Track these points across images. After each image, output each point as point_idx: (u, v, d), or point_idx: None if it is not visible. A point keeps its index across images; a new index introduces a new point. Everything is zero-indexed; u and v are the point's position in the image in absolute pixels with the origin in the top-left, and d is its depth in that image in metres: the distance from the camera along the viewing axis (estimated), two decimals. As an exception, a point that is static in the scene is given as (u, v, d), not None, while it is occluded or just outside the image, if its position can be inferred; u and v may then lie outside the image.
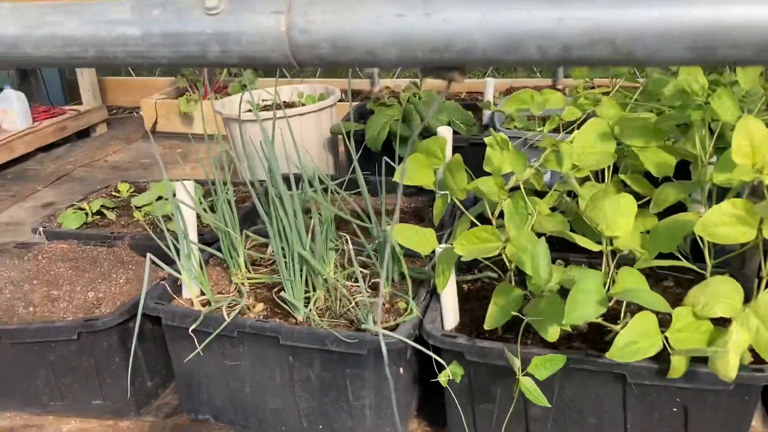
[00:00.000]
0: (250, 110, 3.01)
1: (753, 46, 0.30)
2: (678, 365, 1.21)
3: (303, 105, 3.14)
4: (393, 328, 1.46)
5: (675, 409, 1.30)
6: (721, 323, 1.21)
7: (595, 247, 1.30)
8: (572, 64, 0.34)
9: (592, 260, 1.65)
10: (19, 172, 3.68)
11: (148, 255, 1.60)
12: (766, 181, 1.18)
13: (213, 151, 3.26)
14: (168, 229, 1.68)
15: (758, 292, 1.20)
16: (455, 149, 2.44)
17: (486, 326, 1.36)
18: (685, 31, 0.31)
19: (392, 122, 2.74)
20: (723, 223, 1.16)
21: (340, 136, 3.10)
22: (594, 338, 1.40)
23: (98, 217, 2.29)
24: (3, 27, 0.38)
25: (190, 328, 1.51)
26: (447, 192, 1.59)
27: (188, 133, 4.03)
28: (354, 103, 3.40)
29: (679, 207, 1.53)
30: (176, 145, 3.91)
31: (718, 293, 1.19)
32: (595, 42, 0.32)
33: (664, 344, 1.20)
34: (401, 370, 1.49)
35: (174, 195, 1.63)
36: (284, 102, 3.26)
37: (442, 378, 1.40)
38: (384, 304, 1.59)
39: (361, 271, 1.67)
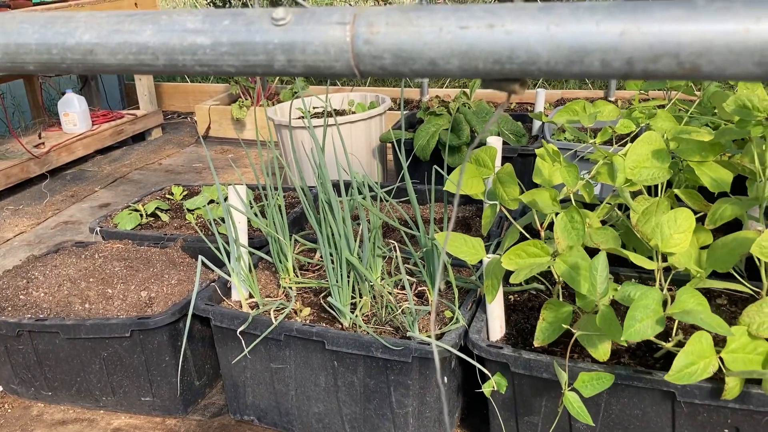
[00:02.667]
0: (301, 117, 3.05)
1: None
2: (733, 386, 1.18)
3: (353, 113, 3.16)
4: (438, 337, 1.46)
5: (726, 430, 1.26)
6: (778, 344, 1.18)
7: (649, 265, 1.28)
8: (635, 77, 0.34)
9: (644, 275, 1.63)
10: (78, 173, 3.80)
11: (200, 257, 1.64)
12: (828, 199, 1.14)
13: (263, 156, 3.32)
14: (219, 232, 1.71)
15: (817, 314, 1.16)
16: (504, 159, 2.43)
17: (536, 343, 1.35)
18: (753, 46, 0.31)
19: (441, 131, 2.74)
20: (781, 242, 1.13)
21: (389, 144, 3.11)
22: (642, 354, 1.38)
23: (152, 218, 2.35)
24: (80, 35, 0.40)
25: (239, 330, 1.54)
26: (496, 202, 1.58)
27: (240, 139, 4.10)
28: (404, 112, 3.42)
29: (734, 223, 1.49)
30: (228, 150, 3.99)
31: (775, 313, 1.15)
32: (659, 56, 0.32)
33: (719, 366, 1.17)
34: (445, 379, 1.49)
35: (226, 199, 1.67)
36: (335, 109, 3.30)
37: (486, 389, 1.39)
38: (429, 313, 1.59)
39: (407, 279, 1.67)
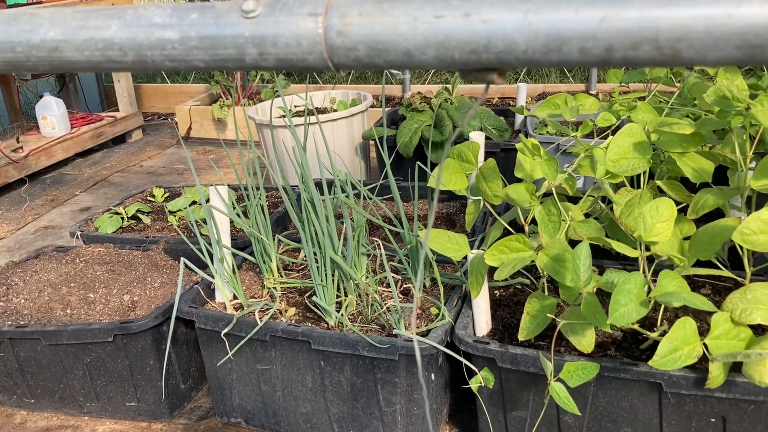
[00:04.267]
0: (282, 116, 3.03)
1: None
2: (716, 374, 1.18)
3: (335, 111, 3.15)
4: (425, 334, 1.45)
5: (713, 420, 1.27)
6: (760, 331, 1.18)
7: (632, 253, 1.28)
8: (615, 64, 0.33)
9: (628, 266, 1.63)
10: (58, 177, 3.75)
11: (182, 259, 1.62)
12: (808, 187, 1.15)
13: (245, 156, 3.29)
14: (201, 234, 1.70)
15: (800, 301, 1.17)
16: (487, 154, 2.43)
17: (520, 337, 1.35)
18: (733, 29, 0.30)
19: (424, 128, 2.74)
20: (762, 231, 1.13)
21: (371, 142, 3.11)
22: (628, 346, 1.38)
23: (134, 221, 2.32)
24: (45, 32, 0.39)
25: (223, 332, 1.53)
26: (479, 197, 1.58)
27: (221, 139, 4.07)
28: (386, 109, 3.41)
29: (717, 213, 1.50)
30: (209, 151, 3.96)
31: (758, 299, 1.16)
32: (639, 43, 0.31)
33: (702, 352, 1.17)
34: (433, 376, 1.49)
35: (207, 200, 1.65)
36: (316, 108, 3.28)
37: (474, 384, 1.39)
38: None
39: (392, 277, 1.67)
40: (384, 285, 1.67)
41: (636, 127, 1.41)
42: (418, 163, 1.77)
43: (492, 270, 1.43)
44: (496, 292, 1.64)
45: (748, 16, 0.30)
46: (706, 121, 1.33)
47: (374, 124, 3.01)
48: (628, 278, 1.15)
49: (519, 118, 2.95)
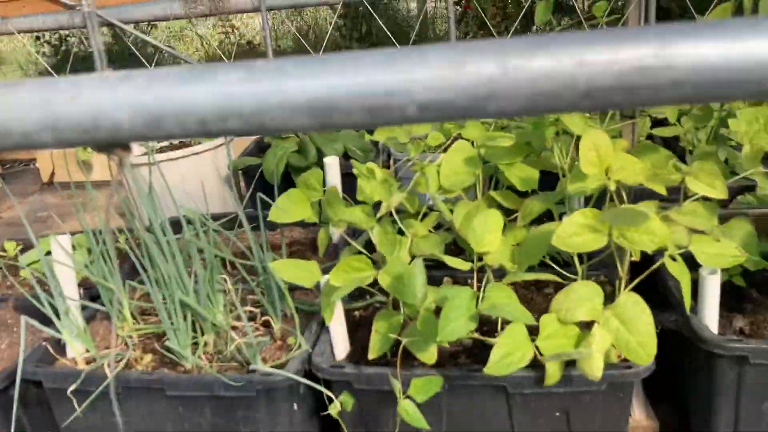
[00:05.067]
0: (145, 153, 2.95)
1: (360, 111, 0.32)
2: (552, 372, 1.25)
3: (199, 143, 3.10)
4: (283, 365, 1.45)
5: (557, 414, 1.34)
6: (589, 327, 1.26)
7: (464, 266, 1.33)
8: (212, 135, 0.35)
9: (480, 274, 1.69)
10: None
11: (23, 317, 1.54)
12: (612, 187, 1.24)
13: (112, 198, 3.18)
14: (44, 288, 1.63)
15: (618, 294, 1.26)
16: (351, 177, 2.46)
17: (370, 356, 1.37)
18: (301, 103, 0.33)
19: (289, 154, 2.74)
20: (576, 233, 1.21)
21: (240, 172, 3.08)
22: (478, 352, 1.43)
23: (-17, 279, 2.19)
24: None
25: (69, 389, 1.46)
26: (328, 223, 1.60)
27: (88, 182, 3.91)
28: (253, 138, 3.39)
29: (553, 217, 1.59)
30: (74, 195, 3.79)
31: (580, 297, 1.24)
32: (227, 116, 0.33)
33: (535, 354, 1.23)
34: (295, 405, 1.48)
35: (48, 253, 1.58)
36: (181, 142, 3.22)
37: (333, 410, 1.40)
38: (276, 341, 1.59)
39: (251, 310, 1.66)
40: (249, 319, 1.66)
41: (465, 144, 1.48)
42: (260, 194, 1.78)
43: (353, 291, 1.45)
44: (356, 313, 1.66)
45: (310, 91, 0.32)
46: (523, 133, 1.41)
47: (240, 154, 2.98)
48: (457, 293, 1.20)
49: (383, 136, 3.01)
